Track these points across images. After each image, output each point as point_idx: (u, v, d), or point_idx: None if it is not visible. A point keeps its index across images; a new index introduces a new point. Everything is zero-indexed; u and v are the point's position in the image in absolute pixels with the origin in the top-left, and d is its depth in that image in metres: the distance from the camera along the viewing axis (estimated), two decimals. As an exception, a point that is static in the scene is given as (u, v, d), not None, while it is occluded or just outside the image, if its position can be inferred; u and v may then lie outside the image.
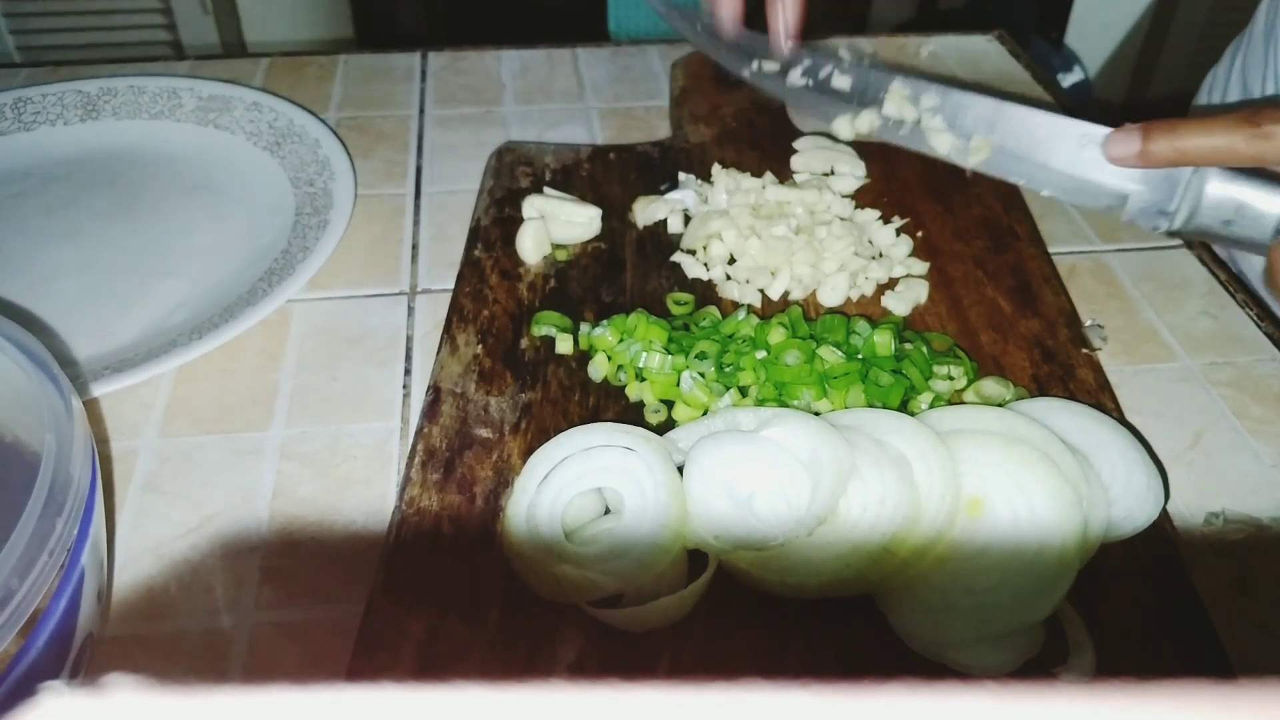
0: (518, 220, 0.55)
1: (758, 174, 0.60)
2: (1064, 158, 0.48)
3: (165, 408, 0.47)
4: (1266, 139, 0.44)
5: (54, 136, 0.65)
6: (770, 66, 0.57)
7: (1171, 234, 0.48)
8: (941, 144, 0.50)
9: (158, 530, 0.41)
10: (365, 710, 0.11)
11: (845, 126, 0.52)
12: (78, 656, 0.33)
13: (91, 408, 0.46)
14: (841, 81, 0.53)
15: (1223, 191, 0.45)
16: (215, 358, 0.49)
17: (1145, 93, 1.94)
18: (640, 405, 0.45)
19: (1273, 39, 0.69)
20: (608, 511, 0.39)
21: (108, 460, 0.44)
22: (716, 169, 0.59)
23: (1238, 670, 0.35)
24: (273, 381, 0.48)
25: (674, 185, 0.60)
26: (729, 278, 0.52)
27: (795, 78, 0.54)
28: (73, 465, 0.31)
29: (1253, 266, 0.62)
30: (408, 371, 0.49)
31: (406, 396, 0.48)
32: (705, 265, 0.53)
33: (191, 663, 0.37)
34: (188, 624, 0.38)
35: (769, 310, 0.51)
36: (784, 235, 0.52)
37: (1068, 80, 1.69)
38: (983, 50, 0.80)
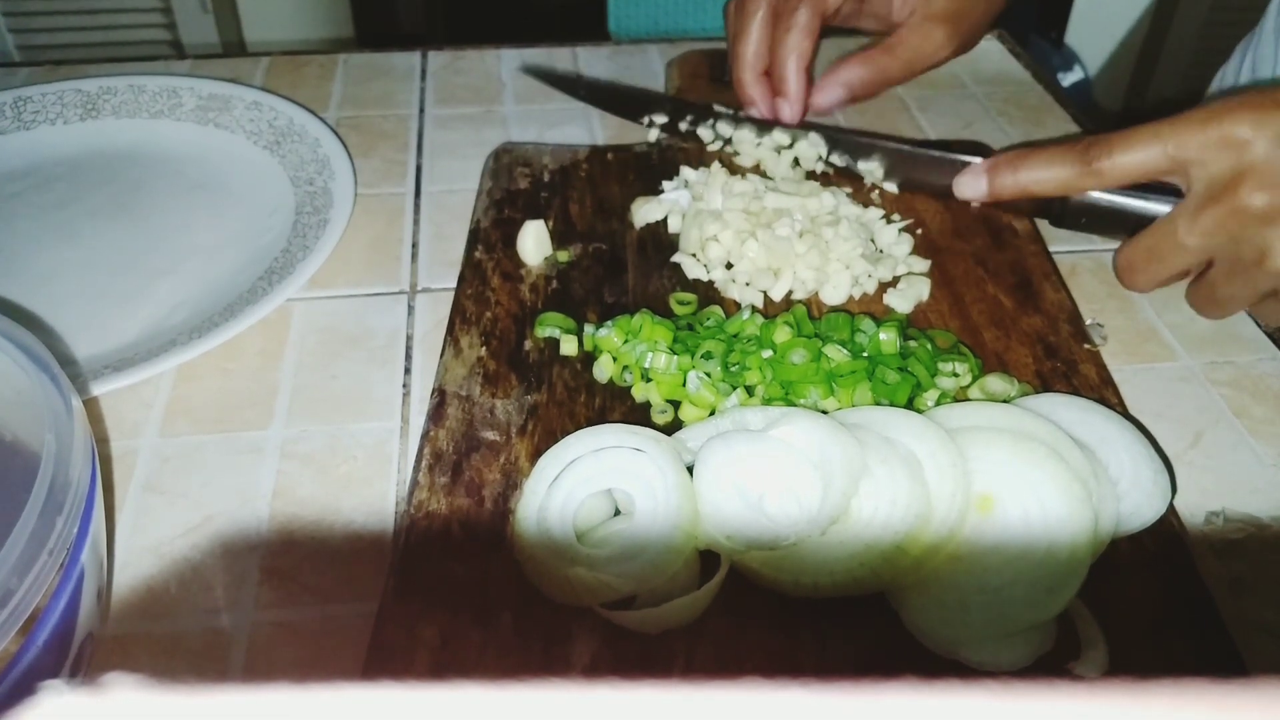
0: (518, 222, 0.55)
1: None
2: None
3: (165, 407, 0.46)
4: (1096, 175, 0.49)
5: (54, 136, 0.65)
6: (660, 119, 0.64)
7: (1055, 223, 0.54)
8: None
9: (158, 530, 0.41)
10: (366, 710, 0.11)
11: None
12: (78, 656, 0.32)
13: (91, 407, 0.46)
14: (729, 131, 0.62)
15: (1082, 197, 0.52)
16: (215, 357, 0.48)
17: (1145, 92, 1.94)
18: (646, 406, 0.45)
19: None
20: (618, 513, 0.39)
21: (108, 460, 0.44)
22: (716, 168, 0.59)
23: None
24: (273, 381, 0.48)
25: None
26: (733, 281, 0.52)
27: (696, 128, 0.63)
28: (73, 465, 0.31)
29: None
30: (408, 371, 0.49)
31: (406, 396, 0.47)
32: (705, 267, 0.53)
33: (191, 662, 0.36)
34: (188, 624, 0.37)
35: (772, 310, 0.51)
36: (786, 236, 0.52)
37: (1068, 80, 1.69)
38: (983, 50, 0.80)
